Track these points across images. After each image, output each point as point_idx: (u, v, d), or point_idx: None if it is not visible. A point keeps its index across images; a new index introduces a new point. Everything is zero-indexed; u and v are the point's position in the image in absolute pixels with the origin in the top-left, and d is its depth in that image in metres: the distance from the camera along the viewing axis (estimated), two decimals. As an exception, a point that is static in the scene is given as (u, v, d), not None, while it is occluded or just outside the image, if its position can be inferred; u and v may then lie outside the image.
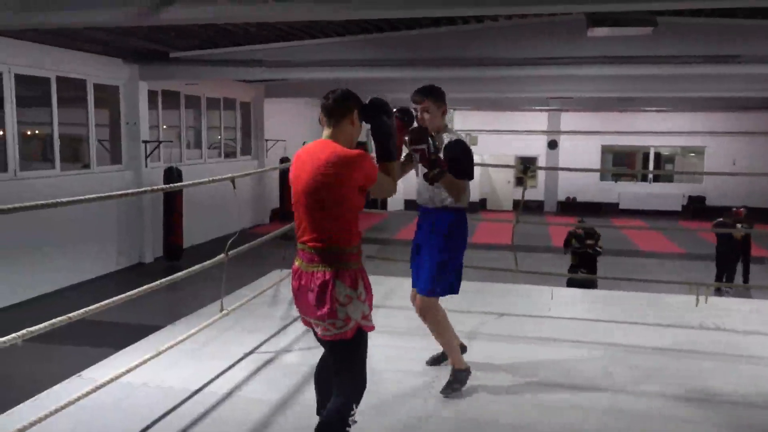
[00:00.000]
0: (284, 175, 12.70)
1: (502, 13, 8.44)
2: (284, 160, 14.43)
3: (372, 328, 2.61)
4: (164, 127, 12.48)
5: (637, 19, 6.84)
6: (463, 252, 3.64)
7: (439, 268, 3.52)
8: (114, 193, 3.58)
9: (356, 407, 2.58)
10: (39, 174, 9.09)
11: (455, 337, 3.77)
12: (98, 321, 6.42)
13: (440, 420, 3.35)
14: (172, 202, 11.24)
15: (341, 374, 2.60)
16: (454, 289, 3.64)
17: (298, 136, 15.69)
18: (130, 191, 3.89)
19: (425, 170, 3.39)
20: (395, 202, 19.47)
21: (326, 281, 2.48)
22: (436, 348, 3.92)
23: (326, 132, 2.60)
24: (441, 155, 3.36)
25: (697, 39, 8.69)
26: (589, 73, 9.83)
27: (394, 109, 3.19)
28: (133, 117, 10.98)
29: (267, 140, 16.22)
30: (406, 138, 3.32)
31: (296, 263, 2.63)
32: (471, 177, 3.52)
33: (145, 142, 11.12)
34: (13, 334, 2.63)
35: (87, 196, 3.07)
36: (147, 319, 6.83)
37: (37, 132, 9.72)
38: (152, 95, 11.62)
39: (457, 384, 3.62)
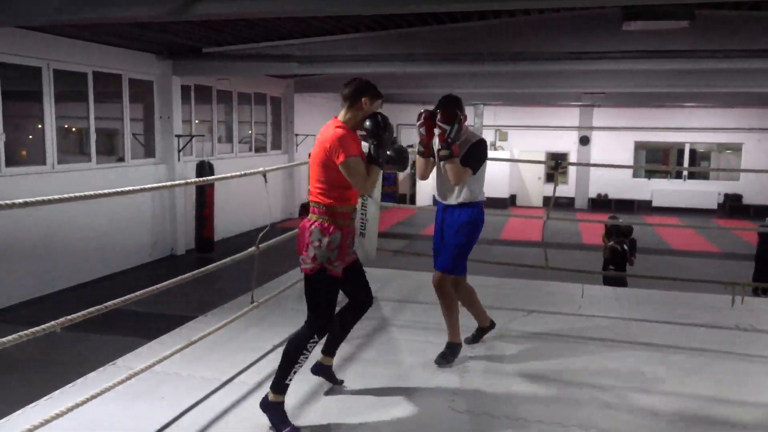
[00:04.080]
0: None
1: (535, 7, 8.34)
2: (314, 154, 14.48)
3: (337, 274, 3.13)
4: (196, 121, 12.65)
5: (673, 13, 6.67)
6: (476, 239, 4.00)
7: (459, 251, 3.90)
8: (147, 186, 3.63)
9: (317, 338, 3.09)
10: (75, 167, 9.30)
11: (458, 318, 4.04)
12: (132, 311, 6.56)
13: (463, 416, 3.34)
14: (204, 196, 11.41)
15: (309, 307, 3.16)
16: (464, 271, 4.03)
17: (327, 131, 15.74)
18: (162, 184, 3.96)
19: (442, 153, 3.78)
20: (423, 198, 19.46)
21: (308, 226, 3.13)
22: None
23: (341, 113, 3.26)
24: (457, 144, 3.74)
25: (735, 33, 8.46)
26: (624, 68, 9.64)
27: (422, 110, 3.84)
28: (166, 111, 11.17)
29: (297, 135, 16.33)
30: (438, 112, 3.75)
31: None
32: (473, 171, 3.85)
33: (178, 136, 11.30)
34: (52, 322, 2.70)
35: (120, 189, 3.09)
36: (179, 310, 6.95)
37: (73, 128, 9.93)
38: (185, 90, 11.79)
39: (451, 356, 3.95)
